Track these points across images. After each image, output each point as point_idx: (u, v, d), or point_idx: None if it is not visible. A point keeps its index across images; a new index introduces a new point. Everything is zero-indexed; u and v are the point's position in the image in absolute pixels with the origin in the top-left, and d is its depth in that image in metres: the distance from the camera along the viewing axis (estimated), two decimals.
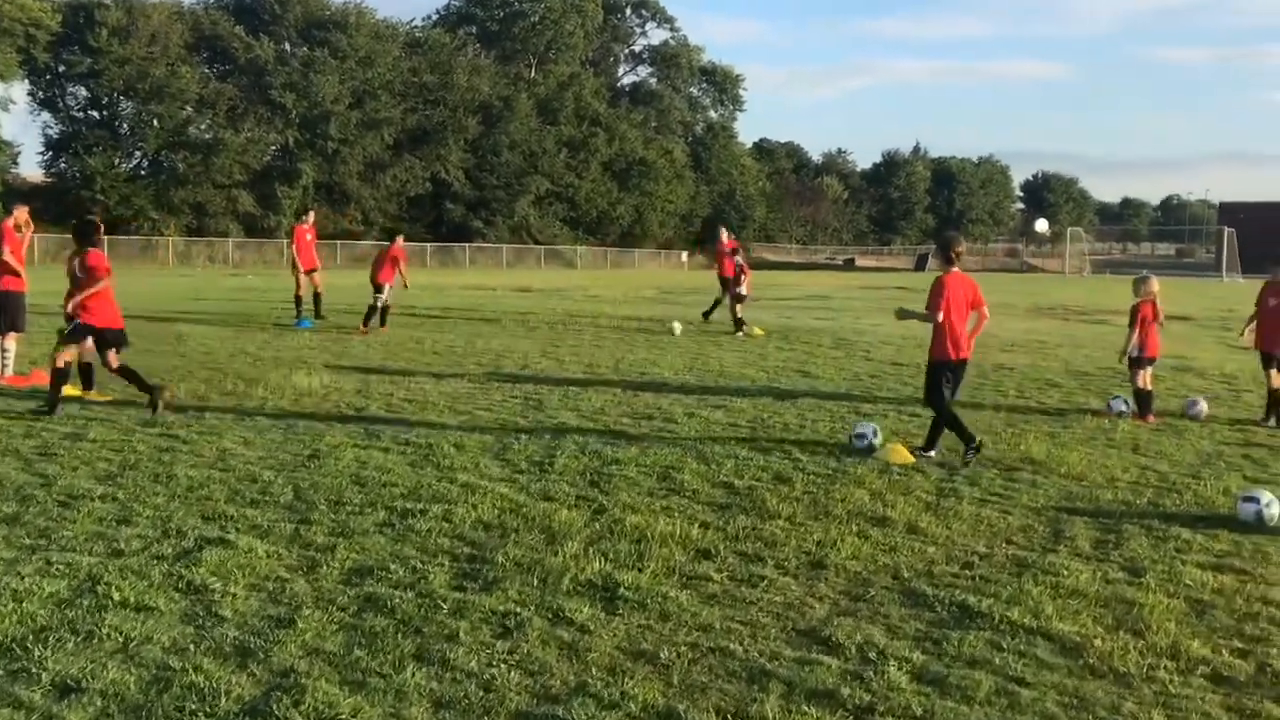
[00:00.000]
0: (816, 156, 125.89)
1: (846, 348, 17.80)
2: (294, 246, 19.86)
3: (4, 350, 11.31)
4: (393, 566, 5.79)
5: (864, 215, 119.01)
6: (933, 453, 9.09)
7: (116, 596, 5.19)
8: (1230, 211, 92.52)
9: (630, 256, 79.41)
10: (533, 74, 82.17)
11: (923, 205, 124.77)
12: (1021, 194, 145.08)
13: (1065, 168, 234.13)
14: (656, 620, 5.19)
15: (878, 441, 9.33)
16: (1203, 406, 11.56)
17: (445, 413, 10.55)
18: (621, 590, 5.53)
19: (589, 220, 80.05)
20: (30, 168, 63.44)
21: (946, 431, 9.12)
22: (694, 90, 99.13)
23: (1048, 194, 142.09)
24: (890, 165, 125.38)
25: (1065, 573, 6.08)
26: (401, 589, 5.46)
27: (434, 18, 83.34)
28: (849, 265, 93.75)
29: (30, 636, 4.70)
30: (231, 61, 63.99)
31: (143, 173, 62.31)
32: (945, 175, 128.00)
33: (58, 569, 5.56)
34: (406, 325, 19.44)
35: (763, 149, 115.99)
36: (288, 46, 65.90)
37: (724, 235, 22.06)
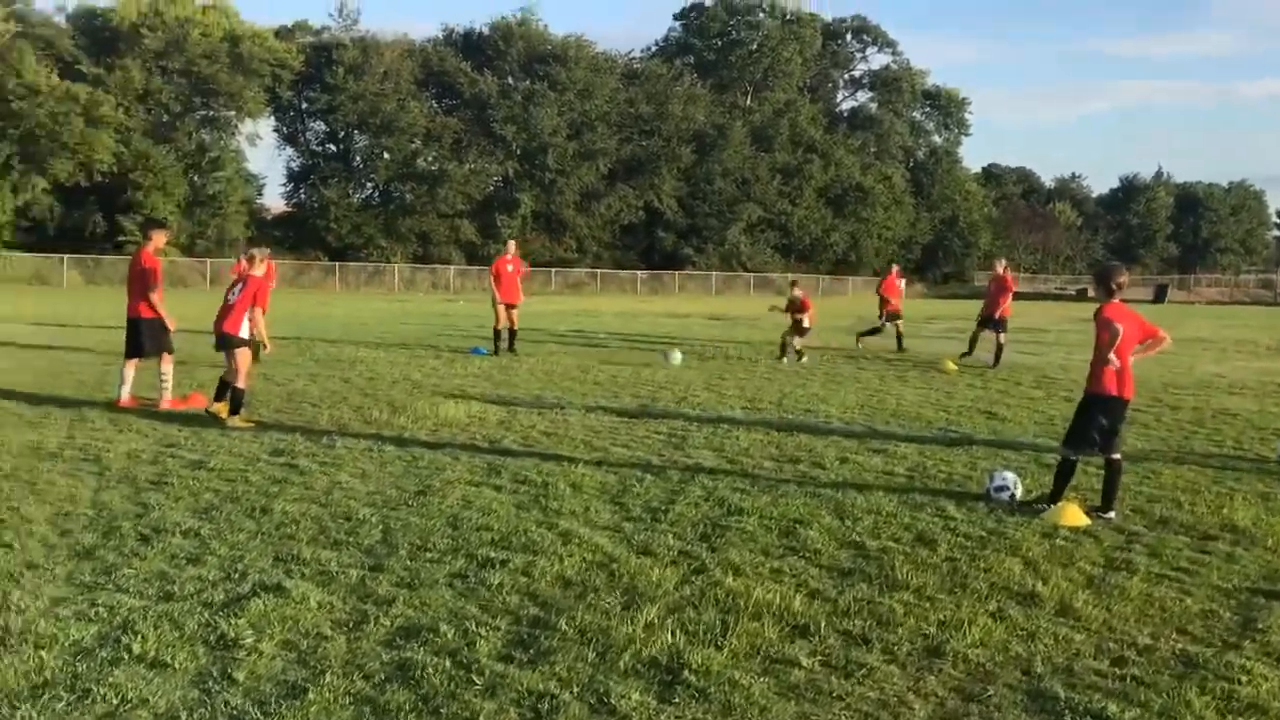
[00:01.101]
0: (1049, 181, 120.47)
1: (1048, 387, 16.30)
2: (492, 278, 19.15)
3: (160, 374, 11.50)
4: (443, 627, 5.22)
5: (1099, 243, 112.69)
6: (1111, 514, 7.89)
7: (137, 648, 4.83)
8: None
9: (844, 284, 77.72)
10: (748, 101, 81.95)
11: (1165, 233, 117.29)
12: (1278, 221, 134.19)
13: None
14: (716, 715, 4.41)
15: (1019, 492, 8.29)
16: None
17: (580, 448, 10.03)
18: (686, 673, 4.77)
19: (802, 247, 78.98)
20: (273, 198, 67.86)
21: (1124, 487, 7.94)
22: (916, 115, 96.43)
23: None
24: (1129, 191, 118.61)
25: (1244, 678, 4.92)
26: (441, 655, 4.89)
27: (652, 49, 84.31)
28: (1081, 296, 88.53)
29: (26, 691, 4.38)
30: (457, 96, 66.61)
31: (373, 203, 65.53)
32: (1190, 201, 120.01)
33: (98, 612, 5.28)
34: (577, 354, 19.16)
35: (991, 174, 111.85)
36: (510, 80, 68.03)
37: (1001, 268, 20.47)
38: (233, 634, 5.05)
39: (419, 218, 63.56)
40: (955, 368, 18.29)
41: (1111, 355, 7.89)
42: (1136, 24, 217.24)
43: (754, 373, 17.29)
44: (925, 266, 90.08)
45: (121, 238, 53.53)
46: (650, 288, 67.59)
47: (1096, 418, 8.09)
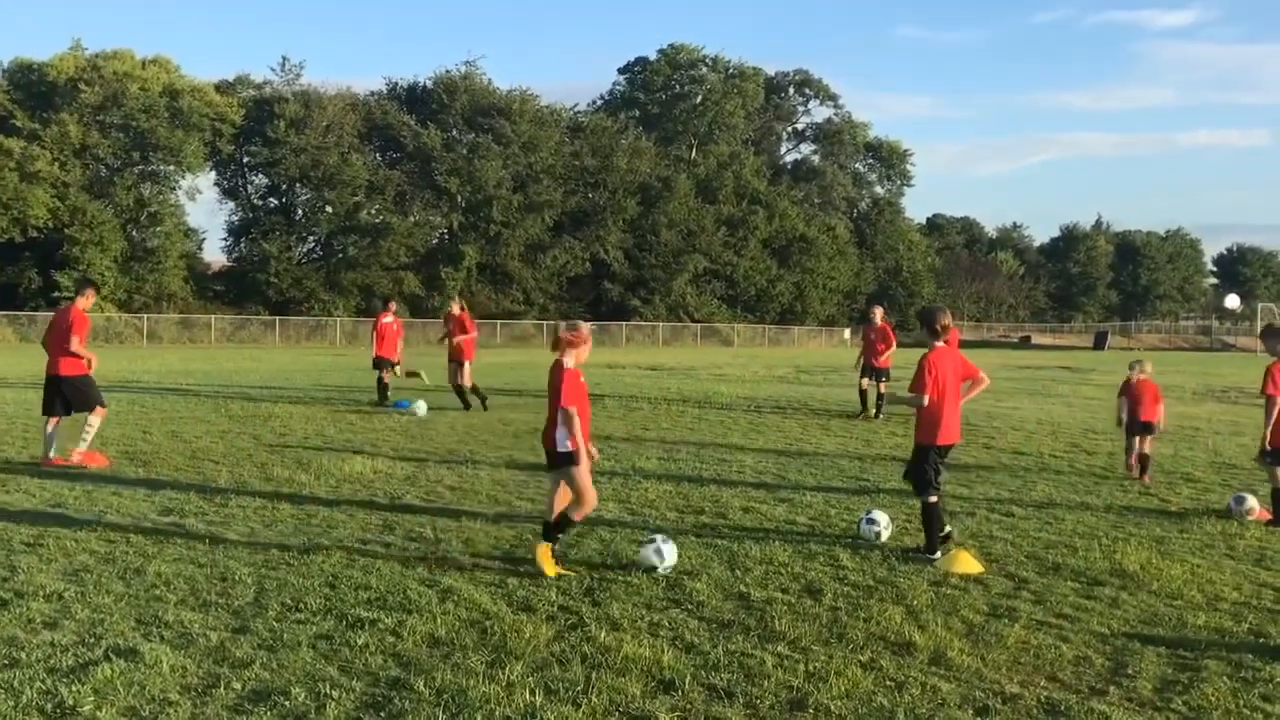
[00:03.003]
0: (991, 231, 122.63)
1: (968, 434, 16.34)
2: (374, 334, 19.18)
3: (86, 425, 11.41)
4: (295, 690, 5.08)
5: (1041, 291, 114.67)
6: (936, 555, 7.97)
7: None
8: None
9: (790, 334, 78.24)
10: (693, 154, 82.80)
11: (1105, 281, 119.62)
12: (1214, 269, 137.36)
13: (1266, 240, 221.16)
14: None
15: (887, 534, 8.53)
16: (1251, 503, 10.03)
17: (484, 502, 9.90)
18: None
19: (747, 298, 79.50)
20: (214, 253, 67.35)
21: (1023, 533, 7.95)
22: (859, 166, 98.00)
23: (1243, 268, 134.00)
24: (1070, 240, 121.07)
25: None
26: None
27: (597, 102, 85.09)
28: (1025, 343, 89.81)
29: None
30: (400, 149, 66.64)
31: (315, 256, 65.15)
32: (1129, 250, 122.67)
33: None
34: (502, 407, 19.02)
35: (935, 224, 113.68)
36: (454, 133, 68.19)
37: (878, 316, 19.39)
38: (72, 701, 4.87)
39: (362, 271, 63.20)
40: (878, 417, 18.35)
41: (926, 399, 8.06)
42: (1077, 77, 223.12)
43: (679, 421, 17.25)
44: (869, 316, 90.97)
45: (56, 294, 52.67)
46: (597, 339, 67.36)
47: (934, 465, 8.20)
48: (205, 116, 58.00)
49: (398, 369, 19.23)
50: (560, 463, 7.33)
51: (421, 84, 69.86)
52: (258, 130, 61.23)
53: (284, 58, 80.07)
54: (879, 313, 19.68)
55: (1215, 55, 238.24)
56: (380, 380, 18.79)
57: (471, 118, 68.08)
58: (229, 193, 65.26)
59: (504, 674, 5.35)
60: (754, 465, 12.62)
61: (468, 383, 18.11)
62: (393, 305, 20.49)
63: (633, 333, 69.92)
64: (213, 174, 63.63)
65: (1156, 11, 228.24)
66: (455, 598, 6.68)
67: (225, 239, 65.38)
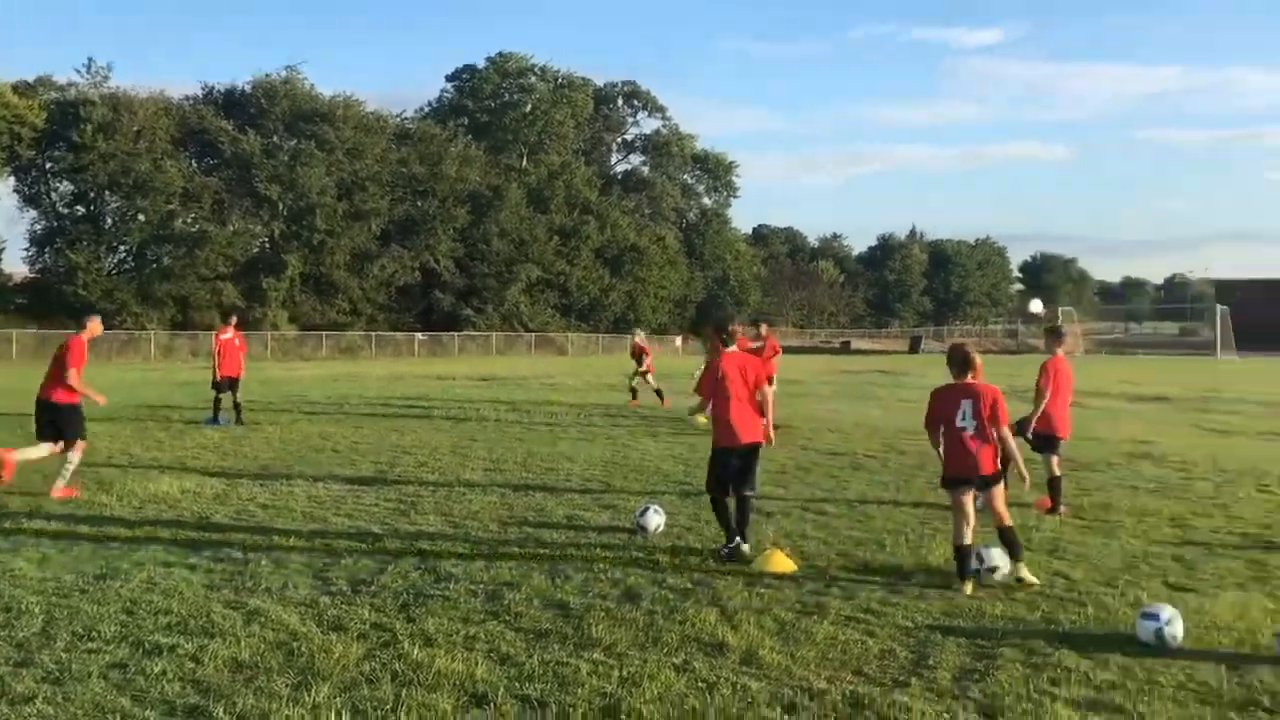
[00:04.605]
0: (813, 241, 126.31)
1: (785, 436, 16.76)
2: (215, 353, 18.20)
3: (67, 461, 10.80)
4: None
5: (860, 298, 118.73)
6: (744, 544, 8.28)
7: None
8: (1227, 289, 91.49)
9: (623, 342, 78.68)
10: (523, 163, 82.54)
11: (919, 288, 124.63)
12: (1019, 275, 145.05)
13: (1066, 249, 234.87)
14: None
15: (650, 526, 9.04)
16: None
17: (298, 519, 9.60)
18: None
19: (581, 307, 79.68)
20: (15, 264, 63.44)
21: (834, 531, 8.18)
22: (687, 177, 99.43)
23: (1046, 274, 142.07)
24: (886, 249, 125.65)
25: (903, 716, 5.07)
26: None
27: (425, 110, 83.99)
28: (845, 348, 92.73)
29: None
30: (218, 155, 64.10)
31: (127, 267, 62.09)
32: (942, 258, 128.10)
33: None
34: (323, 420, 18.52)
35: (760, 234, 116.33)
36: (275, 139, 66.06)
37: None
38: None
39: (177, 282, 60.48)
40: (705, 421, 18.62)
41: (708, 403, 8.55)
42: (895, 93, 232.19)
43: (507, 432, 17.12)
44: (699, 324, 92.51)
45: None
46: (429, 350, 66.50)
47: (725, 466, 8.53)
48: (2, 119, 54.60)
49: None
50: (996, 481, 7.72)
51: (240, 89, 67.42)
52: (62, 135, 57.90)
53: (90, 59, 76.37)
54: (640, 333, 22.76)
55: (1020, 72, 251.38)
56: (217, 400, 17.78)
57: (293, 123, 66.06)
58: (30, 200, 61.44)
59: (310, 696, 5.19)
60: (581, 473, 12.63)
61: None
62: (234, 319, 19.31)
63: (465, 343, 69.14)
64: (11, 180, 59.88)
65: (966, 29, 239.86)
66: (262, 619, 6.44)
67: (27, 249, 61.65)
